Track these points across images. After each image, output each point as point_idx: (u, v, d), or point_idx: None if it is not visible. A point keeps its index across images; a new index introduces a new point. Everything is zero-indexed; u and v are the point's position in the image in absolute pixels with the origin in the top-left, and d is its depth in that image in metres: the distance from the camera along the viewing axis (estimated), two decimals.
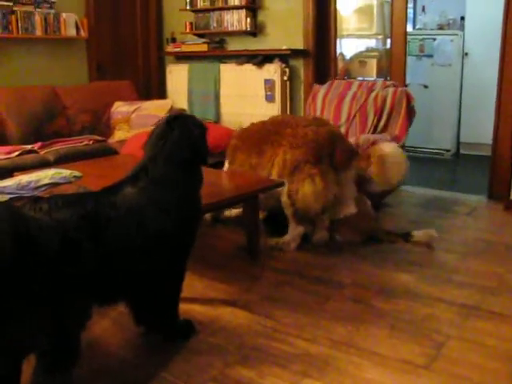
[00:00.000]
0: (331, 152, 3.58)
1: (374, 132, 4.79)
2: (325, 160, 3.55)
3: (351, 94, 4.97)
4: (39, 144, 4.85)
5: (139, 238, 2.19)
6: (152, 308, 2.53)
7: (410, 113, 4.77)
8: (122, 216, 2.15)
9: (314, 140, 3.57)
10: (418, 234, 3.85)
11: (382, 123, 4.77)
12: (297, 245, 3.78)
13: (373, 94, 4.86)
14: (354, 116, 4.86)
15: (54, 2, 5.65)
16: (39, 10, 5.53)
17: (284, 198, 3.69)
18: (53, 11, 5.64)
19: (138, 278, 2.31)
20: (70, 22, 5.79)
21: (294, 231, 3.77)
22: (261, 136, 3.88)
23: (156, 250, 2.29)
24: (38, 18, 5.50)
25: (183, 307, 2.95)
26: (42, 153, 4.74)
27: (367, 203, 3.94)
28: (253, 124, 4.19)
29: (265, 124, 4.03)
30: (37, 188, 2.73)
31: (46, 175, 2.80)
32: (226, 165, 4.24)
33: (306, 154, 3.55)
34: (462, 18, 7.24)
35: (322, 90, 5.15)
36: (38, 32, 5.54)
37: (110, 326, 2.79)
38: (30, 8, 5.45)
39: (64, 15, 5.71)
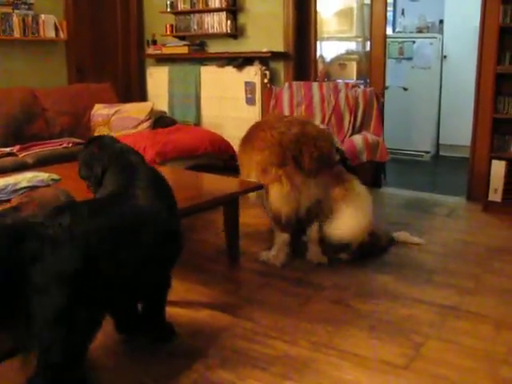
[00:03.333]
0: (297, 154, 3.43)
1: (352, 131, 4.85)
2: (289, 162, 3.42)
3: (318, 96, 5.02)
4: (18, 147, 4.80)
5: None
6: (143, 314, 2.58)
7: (381, 111, 4.99)
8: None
9: (277, 142, 3.47)
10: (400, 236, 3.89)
11: (358, 122, 4.87)
12: (285, 254, 3.61)
13: (341, 95, 4.94)
14: (330, 117, 4.90)
15: (32, 4, 5.59)
16: (17, 11, 5.47)
17: (264, 203, 3.65)
18: (31, 13, 5.59)
19: (141, 286, 2.31)
20: (49, 24, 5.74)
21: (279, 240, 3.63)
22: (250, 140, 3.81)
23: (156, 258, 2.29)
24: (16, 20, 5.44)
25: None
26: (21, 156, 4.69)
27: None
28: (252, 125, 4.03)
29: (256, 125, 3.90)
30: (14, 191, 2.70)
31: (24, 178, 2.77)
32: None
33: (271, 156, 3.45)
34: (441, 22, 7.31)
35: (285, 93, 5.14)
36: (16, 34, 5.48)
37: None
38: (7, 9, 5.39)
39: (43, 17, 5.66)
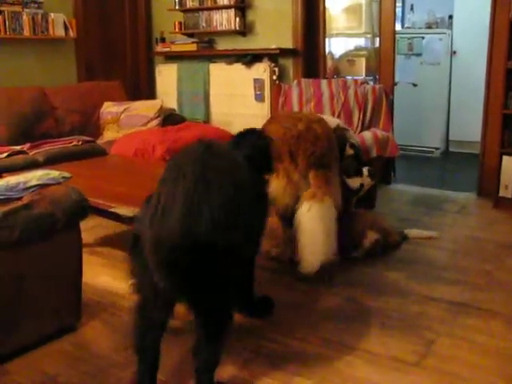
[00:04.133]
0: (293, 151, 3.38)
1: (362, 128, 4.85)
2: (285, 158, 3.38)
3: (328, 93, 5.02)
4: (28, 145, 4.83)
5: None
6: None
7: (390, 107, 5.01)
8: None
9: (279, 137, 3.48)
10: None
11: (367, 119, 4.88)
12: (292, 250, 3.50)
13: (350, 92, 4.95)
14: (339, 114, 4.90)
15: (41, 2, 5.61)
16: (27, 10, 5.48)
17: None
18: (41, 11, 5.60)
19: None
20: (59, 22, 5.76)
21: (285, 236, 3.60)
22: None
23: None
24: (25, 19, 5.46)
25: None
26: (32, 154, 4.71)
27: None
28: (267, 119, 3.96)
29: (267, 121, 3.84)
30: (26, 189, 2.71)
31: (34, 176, 2.77)
32: None
33: (273, 149, 3.48)
34: (450, 17, 7.26)
35: (294, 90, 5.11)
36: (26, 32, 5.50)
37: (100, 328, 2.79)
38: (17, 8, 5.41)
39: (52, 15, 5.67)
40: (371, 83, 5.20)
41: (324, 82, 5.15)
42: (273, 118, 3.84)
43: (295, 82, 5.27)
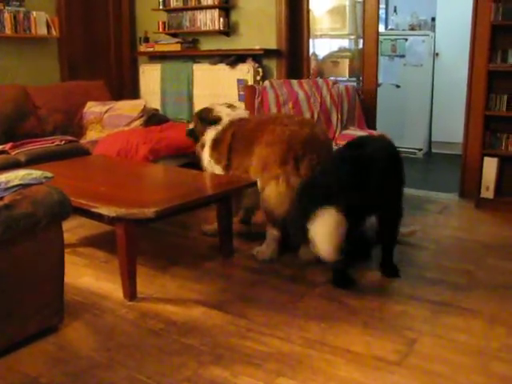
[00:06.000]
0: (299, 156, 3.45)
1: (341, 127, 4.92)
2: (290, 162, 3.43)
3: (302, 93, 5.03)
4: (10, 144, 4.77)
5: None
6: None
7: (363, 105, 5.21)
8: None
9: (286, 140, 3.47)
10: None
11: (345, 118, 4.96)
12: (272, 251, 3.63)
13: (325, 92, 5.01)
14: (318, 114, 4.92)
15: (23, 0, 5.55)
16: (8, 7, 5.42)
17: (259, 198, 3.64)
18: (23, 9, 5.54)
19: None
20: (41, 21, 5.70)
21: (269, 235, 3.65)
22: (252, 135, 3.71)
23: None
24: (7, 16, 5.40)
25: (156, 307, 2.95)
26: (13, 153, 4.66)
27: None
28: (247, 120, 3.94)
29: (259, 120, 3.85)
30: (7, 189, 2.68)
31: (16, 176, 2.74)
32: (217, 166, 3.94)
33: (275, 153, 3.46)
34: (433, 19, 7.32)
35: (269, 91, 5.05)
36: (8, 31, 5.43)
37: (83, 328, 2.77)
38: None
39: (34, 14, 5.61)
40: (341, 84, 5.28)
41: (295, 83, 5.17)
42: (270, 119, 3.77)
43: (267, 83, 5.19)
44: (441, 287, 3.20)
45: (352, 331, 2.71)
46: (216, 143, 3.91)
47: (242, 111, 4.21)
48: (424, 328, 2.74)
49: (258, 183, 3.56)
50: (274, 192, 3.45)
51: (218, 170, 3.90)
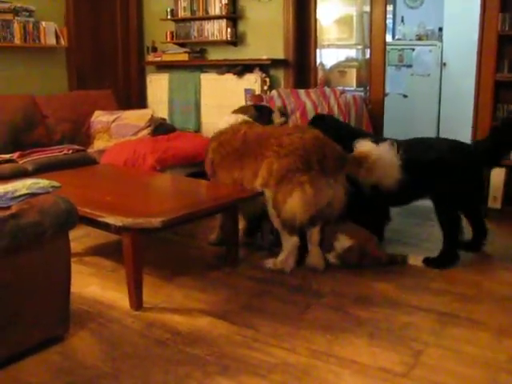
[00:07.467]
0: (321, 158, 3.46)
1: None
2: (315, 166, 3.42)
3: (310, 103, 5.05)
4: (18, 153, 4.80)
5: None
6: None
7: (370, 114, 5.29)
8: None
9: (301, 147, 3.46)
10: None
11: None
12: (295, 258, 3.60)
13: (332, 101, 5.03)
14: None
15: (33, 11, 5.60)
16: (18, 18, 5.47)
17: (270, 209, 3.59)
18: (32, 20, 5.59)
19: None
20: (50, 31, 5.75)
21: (288, 244, 3.59)
22: (242, 151, 3.72)
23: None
24: (16, 27, 5.45)
25: (162, 317, 2.95)
26: (21, 162, 4.69)
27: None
28: (226, 135, 3.92)
29: (245, 137, 3.80)
30: (14, 198, 2.69)
31: (24, 185, 2.76)
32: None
33: (295, 162, 3.43)
34: (440, 29, 7.33)
35: (276, 100, 5.06)
36: (17, 41, 5.49)
37: (88, 338, 2.77)
38: (8, 16, 5.40)
39: (44, 24, 5.66)
40: (348, 94, 5.31)
41: (302, 92, 5.18)
42: (263, 133, 3.74)
43: (274, 92, 5.20)
44: (448, 298, 3.18)
45: (358, 342, 2.70)
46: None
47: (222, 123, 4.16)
48: (431, 339, 2.72)
49: (273, 195, 3.52)
50: (300, 200, 3.40)
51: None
